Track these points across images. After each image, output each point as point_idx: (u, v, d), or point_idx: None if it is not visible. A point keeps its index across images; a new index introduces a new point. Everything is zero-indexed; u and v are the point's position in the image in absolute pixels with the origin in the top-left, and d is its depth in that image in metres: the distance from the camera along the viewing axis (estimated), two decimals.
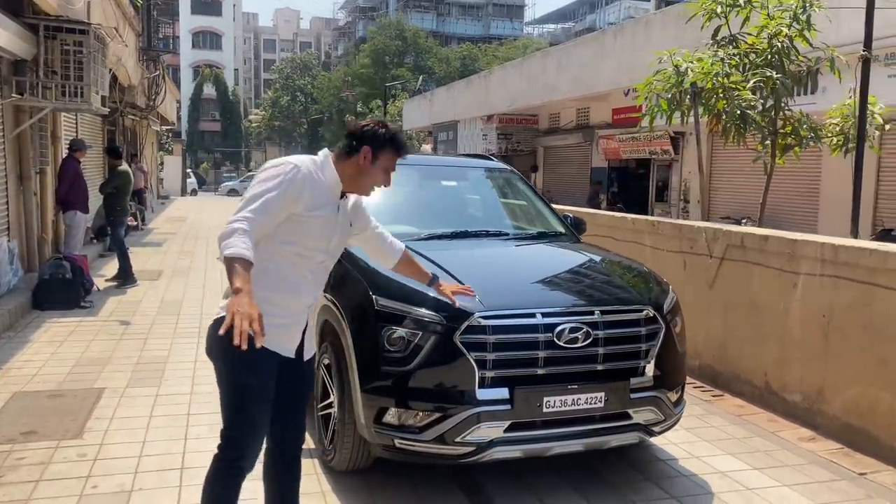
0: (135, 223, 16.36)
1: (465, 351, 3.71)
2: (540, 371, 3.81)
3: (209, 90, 72.75)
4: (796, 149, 8.46)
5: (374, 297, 3.92)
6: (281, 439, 3.11)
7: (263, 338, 2.44)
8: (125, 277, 10.20)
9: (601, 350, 3.93)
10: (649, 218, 7.58)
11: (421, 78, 53.66)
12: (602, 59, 19.42)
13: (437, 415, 3.74)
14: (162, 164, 36.38)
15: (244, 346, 2.37)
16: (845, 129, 8.78)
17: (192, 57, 74.37)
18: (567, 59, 21.51)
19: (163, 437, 4.73)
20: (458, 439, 3.72)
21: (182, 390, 5.71)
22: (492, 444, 3.76)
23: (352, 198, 3.17)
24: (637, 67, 13.08)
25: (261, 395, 2.87)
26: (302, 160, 2.95)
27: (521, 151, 26.63)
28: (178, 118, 41.08)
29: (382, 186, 3.08)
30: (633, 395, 3.99)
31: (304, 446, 3.22)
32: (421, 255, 4.10)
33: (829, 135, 8.89)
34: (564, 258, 4.94)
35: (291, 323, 2.97)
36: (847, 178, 9.41)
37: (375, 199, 3.37)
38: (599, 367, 3.93)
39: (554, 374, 3.86)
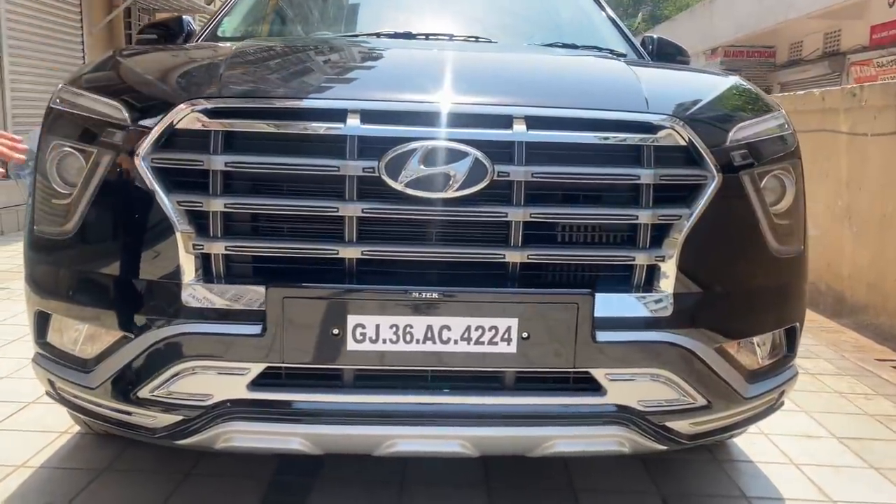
0: None
1: (157, 189, 1.57)
2: (347, 252, 1.55)
3: None
4: None
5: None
6: None
7: None
8: None
9: (518, 213, 1.56)
10: (847, 87, 4.59)
11: (640, 14, 48.73)
12: None
13: (105, 333, 1.65)
14: None
15: None
16: None
17: None
18: None
19: None
20: (143, 393, 1.61)
21: None
22: (221, 413, 1.59)
23: None
24: None
25: None
26: None
27: None
28: None
29: None
30: (606, 336, 1.57)
31: None
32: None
33: None
34: (527, 57, 2.42)
35: None
36: None
37: None
38: (512, 257, 1.57)
39: (386, 263, 1.58)
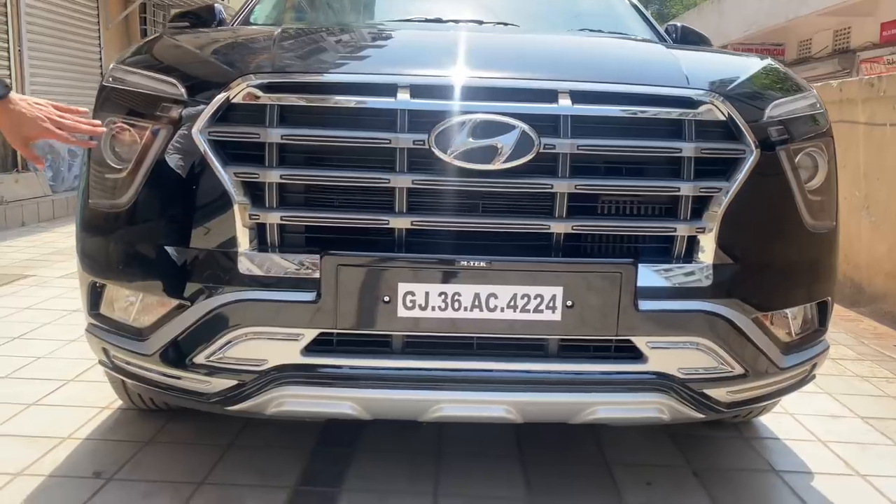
0: None
1: (214, 160, 1.62)
2: (397, 222, 1.61)
3: None
4: None
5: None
6: None
7: None
8: None
9: (563, 185, 1.61)
10: (865, 77, 4.63)
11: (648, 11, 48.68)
12: None
13: (161, 302, 1.71)
14: None
15: None
16: None
17: None
18: None
19: None
20: (199, 359, 1.67)
21: None
22: (276, 378, 1.65)
23: None
24: None
25: None
26: None
27: None
28: None
29: None
30: (648, 305, 1.62)
31: None
32: None
33: None
34: (565, 39, 2.46)
35: None
36: None
37: None
38: (557, 227, 1.62)
39: (435, 234, 1.63)
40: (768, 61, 2.05)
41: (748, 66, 1.95)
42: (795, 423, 2.56)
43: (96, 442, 2.23)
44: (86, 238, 1.88)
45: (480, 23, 2.79)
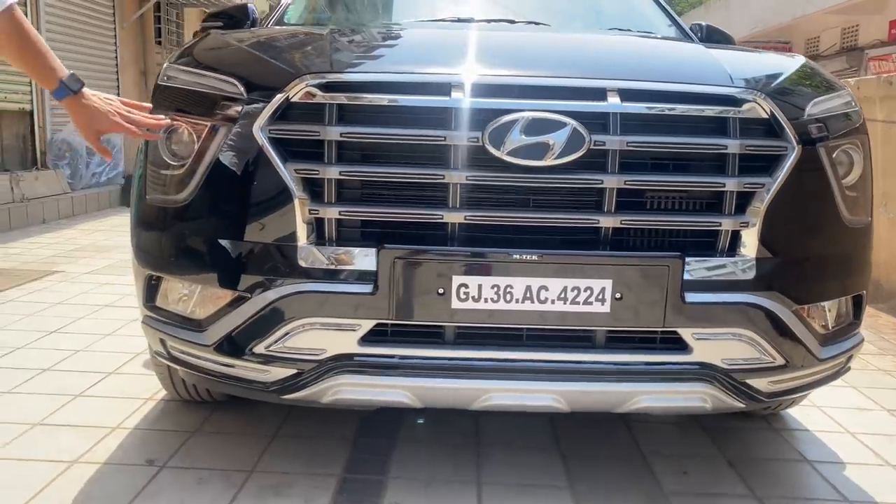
0: None
1: (275, 157, 1.68)
2: (451, 217, 1.66)
3: None
4: None
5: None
6: None
7: None
8: None
9: (612, 181, 1.66)
10: (884, 75, 4.67)
11: None
12: None
13: (220, 294, 1.77)
14: None
15: None
16: None
17: None
18: None
19: None
20: (259, 349, 1.73)
21: None
22: (333, 367, 1.71)
23: None
24: None
25: None
26: None
27: None
28: None
29: None
30: (694, 297, 1.68)
31: None
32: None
33: None
34: (607, 38, 2.54)
35: None
36: None
37: None
38: (606, 222, 1.67)
39: (486, 228, 1.68)
40: (804, 60, 2.10)
41: (786, 65, 2.00)
42: (823, 415, 2.61)
43: (145, 431, 2.29)
44: (142, 232, 1.94)
45: (512, 22, 2.84)
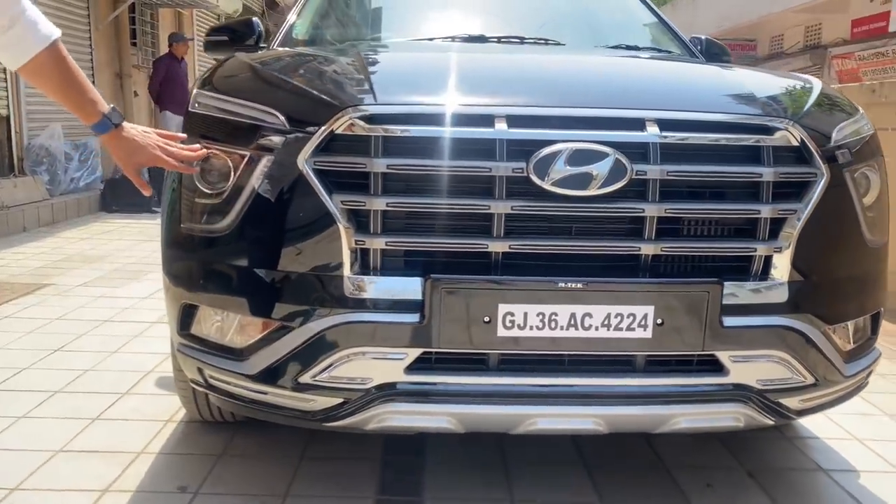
0: None
1: (320, 188, 1.68)
2: (496, 246, 1.68)
3: None
4: None
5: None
6: None
7: None
8: None
9: (653, 209, 1.70)
10: (866, 83, 4.80)
11: None
12: None
13: (261, 323, 1.77)
14: None
15: None
16: None
17: None
18: None
19: None
20: (304, 378, 1.73)
21: None
22: (380, 395, 1.72)
23: None
24: None
25: None
26: None
27: None
28: None
29: None
30: (731, 321, 1.72)
31: None
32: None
33: None
34: (634, 63, 2.60)
35: None
36: None
37: None
38: (647, 249, 1.71)
39: (529, 256, 1.71)
40: (820, 84, 2.16)
41: (809, 90, 2.06)
42: (832, 422, 2.69)
43: (170, 456, 2.28)
44: (176, 260, 1.93)
45: (522, 40, 2.87)
